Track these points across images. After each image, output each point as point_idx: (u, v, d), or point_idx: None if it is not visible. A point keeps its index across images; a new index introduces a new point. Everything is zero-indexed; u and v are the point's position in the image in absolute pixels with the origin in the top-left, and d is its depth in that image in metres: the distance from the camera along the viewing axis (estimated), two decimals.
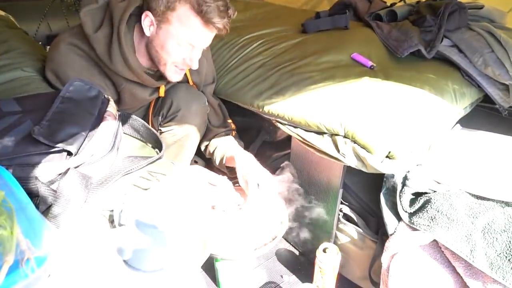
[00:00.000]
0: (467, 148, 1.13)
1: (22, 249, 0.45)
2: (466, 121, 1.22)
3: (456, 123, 1.20)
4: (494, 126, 1.21)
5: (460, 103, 1.16)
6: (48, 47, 1.14)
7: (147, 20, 0.99)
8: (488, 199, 0.98)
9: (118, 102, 1.11)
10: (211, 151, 1.26)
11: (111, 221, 0.61)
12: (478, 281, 0.85)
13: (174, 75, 1.08)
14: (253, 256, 1.08)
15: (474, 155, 1.09)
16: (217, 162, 1.24)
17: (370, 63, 1.21)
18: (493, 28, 1.26)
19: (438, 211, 0.94)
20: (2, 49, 1.07)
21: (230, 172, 1.22)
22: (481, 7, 1.39)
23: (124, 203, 0.46)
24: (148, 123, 1.17)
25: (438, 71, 1.21)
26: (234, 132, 1.33)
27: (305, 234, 1.25)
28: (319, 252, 1.10)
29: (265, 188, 1.09)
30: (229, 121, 1.34)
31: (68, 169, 0.64)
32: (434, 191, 1.02)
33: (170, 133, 1.19)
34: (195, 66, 1.05)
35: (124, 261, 0.44)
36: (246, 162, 1.12)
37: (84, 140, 0.67)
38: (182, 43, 1.00)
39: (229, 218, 1.12)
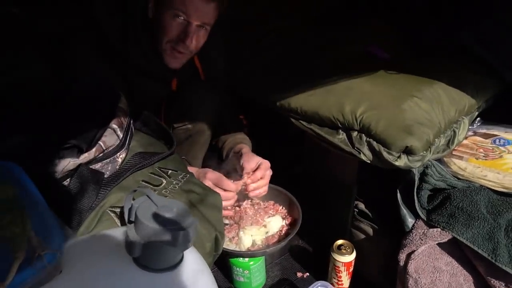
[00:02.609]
0: (488, 143, 1.09)
1: (33, 246, 0.45)
2: (488, 115, 1.18)
3: (477, 116, 1.16)
4: None
5: (482, 96, 1.12)
6: (60, 44, 1.14)
7: (152, 1, 1.01)
8: (511, 196, 0.95)
9: (130, 98, 1.11)
10: (220, 146, 1.26)
11: (122, 218, 0.61)
12: (500, 281, 0.82)
13: (171, 59, 1.07)
14: (266, 254, 1.07)
15: (496, 150, 1.05)
16: (224, 156, 1.24)
17: (386, 55, 1.17)
18: None
19: (458, 208, 0.91)
20: (14, 48, 1.08)
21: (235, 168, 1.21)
22: None
23: (135, 200, 0.45)
24: (161, 120, 1.17)
25: (458, 62, 1.17)
26: (246, 129, 1.32)
27: (319, 231, 1.24)
28: (333, 250, 1.08)
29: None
30: (241, 116, 1.33)
31: (79, 165, 0.64)
32: (454, 187, 0.99)
33: (183, 129, 1.19)
34: (189, 43, 1.03)
35: (134, 259, 0.44)
36: (250, 159, 1.10)
37: (96, 136, 0.67)
38: (177, 12, 0.99)
39: (242, 215, 1.11)
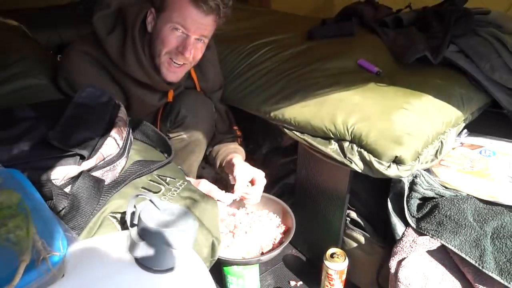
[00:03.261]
0: (474, 153, 1.12)
1: (38, 249, 0.46)
2: (474, 126, 1.22)
3: (464, 128, 1.20)
4: (502, 131, 1.20)
5: (468, 108, 1.16)
6: (59, 56, 1.16)
7: (150, 16, 1.03)
8: (497, 204, 0.98)
9: (127, 108, 1.13)
10: (214, 156, 1.28)
11: (123, 223, 0.63)
12: (487, 287, 0.85)
13: (168, 72, 1.09)
14: (260, 261, 1.08)
15: (482, 160, 1.09)
16: (217, 166, 1.26)
17: (376, 69, 1.21)
18: (500, 34, 1.26)
19: (446, 216, 0.94)
20: (15, 57, 1.10)
21: (229, 178, 1.23)
22: (488, 13, 1.40)
23: (136, 205, 0.47)
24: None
25: (444, 76, 1.21)
26: (239, 140, 1.34)
27: (312, 239, 1.25)
28: (326, 258, 1.10)
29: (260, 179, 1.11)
30: (235, 128, 1.35)
31: (81, 172, 0.65)
32: (442, 196, 1.02)
33: (178, 139, 1.21)
34: (188, 55, 1.05)
35: (136, 260, 0.45)
36: (243, 170, 1.12)
37: (96, 144, 0.69)
38: (176, 26, 1.01)
39: (236, 224, 1.12)
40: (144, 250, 0.42)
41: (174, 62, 1.07)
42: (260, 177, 1.12)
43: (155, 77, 1.08)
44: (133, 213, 0.46)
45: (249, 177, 1.12)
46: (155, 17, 1.03)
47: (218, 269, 1.11)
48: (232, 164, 1.15)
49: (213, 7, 1.00)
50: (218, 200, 1.00)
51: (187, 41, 1.03)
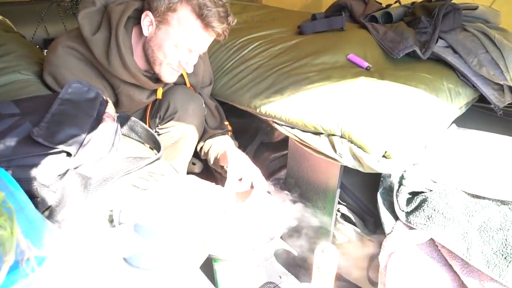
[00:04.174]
0: (462, 147, 1.14)
1: (22, 249, 0.45)
2: (462, 121, 1.24)
3: (452, 122, 1.21)
4: (490, 126, 1.22)
5: (456, 103, 1.17)
6: (45, 50, 1.14)
7: (147, 20, 1.00)
8: (484, 198, 0.99)
9: (116, 104, 1.11)
10: (206, 151, 1.27)
11: (111, 221, 0.62)
12: (474, 279, 0.86)
13: (168, 76, 1.09)
14: (251, 257, 1.08)
15: (470, 154, 1.10)
16: (212, 161, 1.25)
17: (366, 64, 1.22)
18: (487, 29, 1.28)
19: (434, 210, 0.95)
20: (0, 52, 1.08)
21: (224, 172, 1.22)
22: (476, 8, 1.41)
23: (124, 203, 0.46)
24: (146, 125, 1.18)
25: (433, 71, 1.22)
26: (230, 133, 1.33)
27: (303, 234, 1.26)
28: (317, 252, 1.10)
29: (258, 186, 1.09)
30: (226, 123, 1.34)
31: (68, 170, 0.64)
32: (431, 190, 1.03)
33: (168, 135, 1.20)
34: (190, 70, 1.06)
35: (124, 259, 0.45)
36: (239, 160, 1.11)
37: (83, 141, 0.67)
38: (180, 45, 1.01)
39: (226, 219, 1.12)
40: (132, 249, 0.42)
41: (174, 68, 1.07)
42: (261, 183, 1.11)
43: (141, 78, 1.06)
44: (120, 211, 0.45)
45: (242, 172, 1.10)
46: (154, 25, 1.00)
47: (209, 265, 1.11)
48: (226, 157, 1.14)
49: (220, 32, 1.01)
50: (210, 194, 1.01)
51: (191, 57, 1.04)
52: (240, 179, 1.09)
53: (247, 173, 1.08)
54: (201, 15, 0.96)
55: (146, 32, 1.01)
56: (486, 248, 0.87)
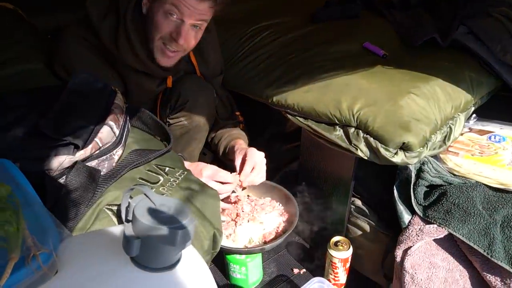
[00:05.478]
0: (483, 139, 1.09)
1: (28, 246, 0.44)
2: (483, 111, 1.18)
3: (473, 113, 1.16)
4: None
5: (477, 92, 1.12)
6: (54, 40, 1.13)
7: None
8: (507, 192, 0.95)
9: (125, 94, 1.10)
10: (216, 142, 1.25)
11: (119, 216, 0.60)
12: (496, 276, 0.83)
13: (162, 57, 1.05)
14: (263, 250, 1.07)
15: (491, 146, 1.06)
16: (220, 153, 1.23)
17: (382, 52, 1.18)
18: None
19: (454, 204, 0.92)
20: (10, 42, 1.07)
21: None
22: None
23: (132, 198, 0.45)
24: (156, 116, 1.16)
25: (453, 59, 1.17)
26: (242, 125, 1.31)
27: (316, 227, 1.24)
28: (330, 246, 1.08)
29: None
30: (237, 113, 1.32)
31: (76, 162, 0.63)
32: (450, 184, 0.99)
33: (178, 125, 1.18)
34: (181, 42, 1.00)
35: (132, 258, 0.43)
36: (248, 154, 1.09)
37: (91, 133, 0.66)
38: (170, 10, 0.97)
39: (238, 212, 1.11)
40: (139, 248, 0.40)
41: (168, 48, 1.03)
42: (259, 160, 1.09)
43: (150, 65, 1.04)
44: (128, 208, 0.43)
45: (250, 163, 1.09)
46: (150, 1, 0.99)
47: (221, 257, 1.10)
48: (234, 152, 1.13)
49: None
50: (226, 182, 1.00)
51: (182, 27, 0.99)
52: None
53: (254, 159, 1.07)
54: None
55: (144, 10, 0.99)
56: (510, 244, 0.84)
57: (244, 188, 1.12)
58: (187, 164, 0.97)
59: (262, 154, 1.10)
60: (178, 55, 1.07)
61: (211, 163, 1.10)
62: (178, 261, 0.43)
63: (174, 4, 0.96)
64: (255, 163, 1.07)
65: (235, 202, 1.12)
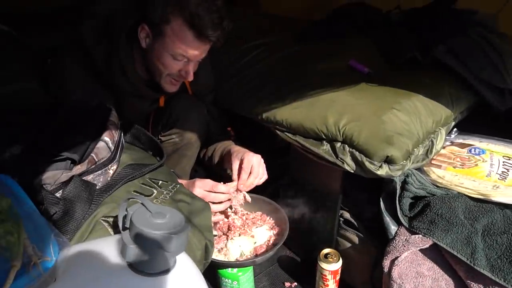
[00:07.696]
0: (464, 152, 1.14)
1: (29, 254, 0.46)
2: (463, 126, 1.24)
3: (454, 127, 1.21)
4: (491, 130, 1.22)
5: (457, 107, 1.17)
6: (49, 59, 1.16)
7: (143, 32, 1.01)
8: (487, 202, 0.99)
9: (119, 112, 1.12)
10: (210, 155, 1.27)
11: (115, 227, 0.62)
12: (479, 284, 0.85)
13: (170, 86, 1.10)
14: (255, 263, 1.08)
15: (472, 159, 1.10)
16: (216, 161, 1.25)
17: (367, 70, 1.22)
18: (488, 34, 1.28)
19: (437, 214, 0.95)
20: (5, 62, 1.09)
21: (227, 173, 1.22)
22: (475, 13, 1.42)
23: (127, 209, 0.47)
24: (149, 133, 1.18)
25: (434, 76, 1.22)
26: (233, 138, 1.34)
27: (306, 240, 1.26)
28: (320, 258, 1.10)
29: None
30: (229, 129, 1.35)
31: (72, 177, 0.65)
32: (433, 195, 1.03)
33: (170, 142, 1.20)
34: (190, 78, 1.06)
35: (129, 264, 0.45)
36: (244, 161, 1.12)
37: (88, 148, 0.68)
38: (177, 56, 1.01)
39: (230, 226, 1.12)
40: (136, 254, 0.42)
41: (174, 79, 1.08)
42: (256, 163, 1.11)
43: (143, 89, 1.08)
44: (124, 217, 0.46)
45: (247, 170, 1.11)
46: (151, 37, 1.01)
47: (212, 272, 1.11)
48: (231, 154, 1.15)
49: (214, 40, 1.01)
50: (217, 192, 1.02)
51: (189, 66, 1.05)
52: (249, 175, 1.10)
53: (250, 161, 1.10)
54: (193, 25, 0.96)
55: (143, 44, 1.02)
56: (491, 252, 0.86)
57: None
58: (184, 182, 0.99)
59: (259, 156, 1.13)
60: (182, 80, 1.12)
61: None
62: (173, 266, 0.45)
63: (183, 53, 1.00)
64: (252, 167, 1.10)
65: (235, 212, 1.14)
